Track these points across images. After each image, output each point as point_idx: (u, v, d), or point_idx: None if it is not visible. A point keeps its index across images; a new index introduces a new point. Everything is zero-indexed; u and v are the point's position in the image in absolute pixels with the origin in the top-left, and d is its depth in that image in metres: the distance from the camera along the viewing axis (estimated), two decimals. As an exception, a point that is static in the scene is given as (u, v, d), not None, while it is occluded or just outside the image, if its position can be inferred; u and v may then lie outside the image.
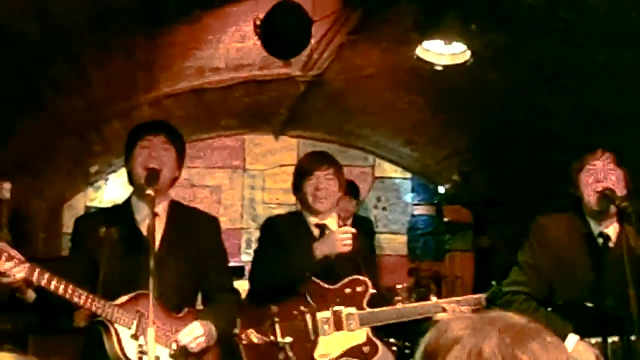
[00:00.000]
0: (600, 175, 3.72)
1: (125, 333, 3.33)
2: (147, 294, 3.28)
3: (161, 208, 3.65)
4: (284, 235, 4.27)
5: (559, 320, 3.64)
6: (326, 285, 4.16)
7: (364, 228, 7.16)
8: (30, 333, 5.53)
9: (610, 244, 3.73)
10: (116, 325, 3.33)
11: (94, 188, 8.26)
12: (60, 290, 3.14)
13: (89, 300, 3.23)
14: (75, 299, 3.19)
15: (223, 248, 3.96)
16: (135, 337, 3.32)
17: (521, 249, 3.91)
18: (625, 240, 3.59)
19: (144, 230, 3.58)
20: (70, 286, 3.18)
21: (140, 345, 3.29)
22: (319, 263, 4.15)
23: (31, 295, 3.19)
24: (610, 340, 3.58)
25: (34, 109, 5.25)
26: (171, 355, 3.45)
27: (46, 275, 3.12)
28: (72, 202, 8.16)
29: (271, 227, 4.38)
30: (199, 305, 3.91)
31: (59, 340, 5.26)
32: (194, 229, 3.77)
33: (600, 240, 3.77)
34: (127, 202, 3.71)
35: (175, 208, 3.78)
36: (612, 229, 3.78)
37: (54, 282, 3.13)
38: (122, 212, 3.67)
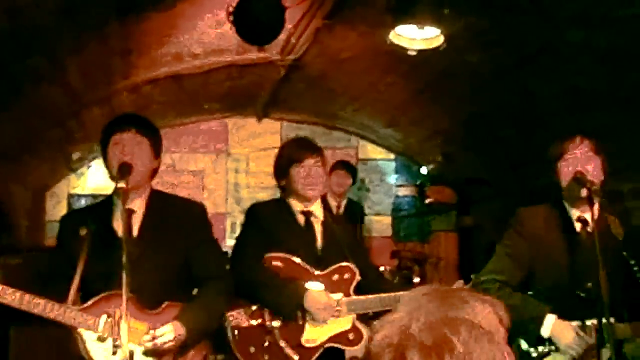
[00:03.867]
0: (578, 164, 3.74)
1: (89, 336, 3.27)
2: (119, 293, 3.21)
3: (138, 203, 3.56)
4: (269, 223, 4.24)
5: (536, 302, 3.69)
6: (314, 272, 4.16)
7: (355, 213, 7.20)
8: (11, 324, 5.52)
9: (589, 229, 3.75)
10: (79, 330, 3.27)
11: (76, 175, 8.26)
12: (16, 302, 3.07)
13: (48, 308, 3.16)
14: (33, 309, 3.11)
15: (210, 235, 3.83)
16: (101, 339, 3.28)
17: (500, 240, 3.94)
18: (601, 223, 3.64)
19: (117, 227, 3.51)
20: (27, 296, 3.09)
21: (115, 340, 3.27)
22: (305, 251, 4.18)
23: None
24: (589, 322, 3.62)
25: (12, 99, 5.22)
26: (144, 353, 3.37)
27: None
28: (54, 189, 8.16)
29: (255, 215, 4.33)
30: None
31: (41, 332, 5.24)
32: (177, 218, 3.66)
33: (578, 225, 3.80)
34: (110, 198, 3.63)
35: (156, 199, 3.67)
36: (589, 214, 3.80)
37: (8, 295, 3.06)
38: (102, 209, 3.60)
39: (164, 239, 3.57)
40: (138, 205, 3.57)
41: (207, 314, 3.64)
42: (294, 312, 4.05)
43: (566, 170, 3.75)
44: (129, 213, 3.46)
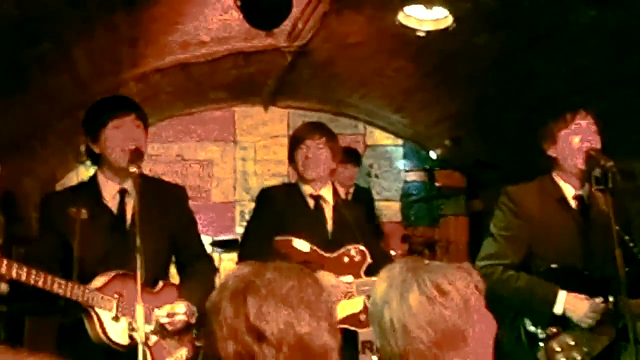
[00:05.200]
0: (587, 135, 3.71)
1: (106, 316, 3.31)
2: (124, 274, 3.31)
3: (130, 184, 3.57)
4: (280, 206, 4.28)
5: (545, 282, 3.66)
6: (325, 254, 4.20)
7: (364, 198, 7.19)
8: (26, 315, 5.55)
9: (582, 206, 3.75)
10: (97, 309, 3.30)
11: (85, 166, 8.24)
12: (40, 283, 3.09)
13: (69, 288, 3.18)
14: (55, 289, 3.14)
15: (192, 216, 3.94)
16: (116, 319, 3.31)
17: (492, 220, 3.88)
18: (593, 199, 3.65)
19: (113, 208, 3.56)
20: (50, 277, 3.12)
21: (130, 323, 3.30)
22: (315, 234, 4.20)
23: (4, 287, 3.10)
24: (597, 300, 3.60)
25: (21, 89, 5.22)
26: (152, 332, 3.45)
27: (25, 269, 3.05)
28: (64, 180, 8.16)
29: (266, 198, 4.38)
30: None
31: (56, 322, 5.26)
32: (163, 200, 3.73)
33: (574, 203, 3.77)
34: (93, 179, 3.65)
35: (144, 182, 3.65)
36: (585, 191, 3.79)
37: (33, 276, 3.07)
38: (89, 190, 3.61)
39: (154, 219, 3.59)
40: (129, 186, 3.59)
41: (204, 291, 3.69)
42: None
43: (572, 140, 3.69)
44: (123, 192, 3.53)
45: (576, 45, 5.13)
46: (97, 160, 3.64)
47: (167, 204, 3.74)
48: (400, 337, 1.91)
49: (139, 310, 3.06)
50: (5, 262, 3.01)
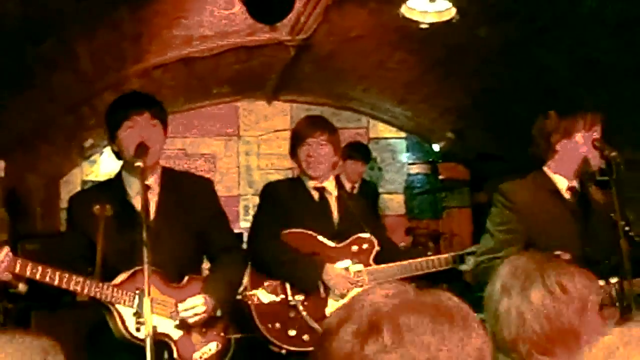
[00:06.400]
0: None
1: (127, 312, 3.31)
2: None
3: (153, 180, 3.60)
4: (285, 200, 4.31)
5: None
6: (333, 244, 4.24)
7: (368, 192, 7.21)
8: (32, 310, 5.56)
9: (576, 197, 3.79)
10: (117, 306, 3.31)
11: (89, 162, 8.29)
12: (56, 282, 3.10)
13: (86, 286, 3.19)
14: (72, 287, 3.14)
15: (221, 209, 3.91)
16: (137, 314, 3.31)
17: (489, 218, 3.88)
18: (585, 190, 3.70)
19: (136, 204, 3.53)
20: (66, 275, 3.13)
21: (138, 315, 3.30)
22: (321, 226, 4.24)
23: (23, 287, 3.14)
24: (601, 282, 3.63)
25: (25, 86, 5.24)
26: (176, 326, 3.46)
27: (39, 268, 3.07)
28: (68, 176, 8.19)
29: (271, 193, 4.40)
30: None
31: (61, 316, 5.28)
32: (189, 193, 3.72)
33: (568, 194, 3.80)
34: (119, 176, 3.66)
35: (168, 176, 3.72)
36: (578, 182, 3.82)
37: (48, 275, 3.09)
38: (114, 188, 3.62)
39: (180, 213, 3.63)
40: (152, 182, 3.61)
41: (229, 284, 3.75)
42: (315, 286, 4.10)
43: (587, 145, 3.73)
44: (146, 189, 3.46)
45: (579, 37, 5.12)
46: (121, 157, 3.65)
47: (192, 197, 3.72)
48: (514, 325, 1.97)
49: (146, 303, 3.05)
50: (19, 261, 3.04)
